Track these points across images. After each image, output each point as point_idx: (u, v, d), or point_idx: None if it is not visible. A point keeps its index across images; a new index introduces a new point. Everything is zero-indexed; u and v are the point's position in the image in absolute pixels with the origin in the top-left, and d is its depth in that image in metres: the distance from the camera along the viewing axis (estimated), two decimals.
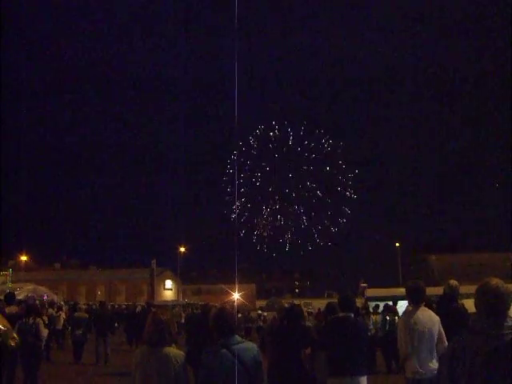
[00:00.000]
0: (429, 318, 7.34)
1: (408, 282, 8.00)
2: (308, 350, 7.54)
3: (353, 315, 8.13)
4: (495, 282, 3.97)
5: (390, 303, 19.87)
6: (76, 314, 22.28)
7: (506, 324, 3.80)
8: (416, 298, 7.51)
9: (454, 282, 9.47)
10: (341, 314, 8.08)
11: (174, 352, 5.30)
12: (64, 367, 19.24)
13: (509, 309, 3.92)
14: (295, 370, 7.39)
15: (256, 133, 35.31)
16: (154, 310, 17.86)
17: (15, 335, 9.26)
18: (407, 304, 7.76)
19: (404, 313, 7.73)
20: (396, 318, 18.10)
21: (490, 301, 3.89)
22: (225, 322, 5.13)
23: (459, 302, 9.38)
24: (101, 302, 26.88)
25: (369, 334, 17.53)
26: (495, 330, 3.77)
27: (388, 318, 18.29)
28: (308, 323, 8.75)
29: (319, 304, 42.40)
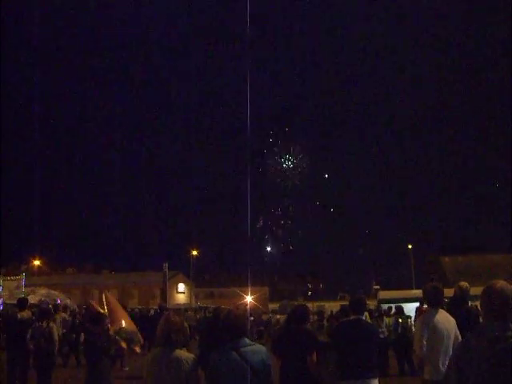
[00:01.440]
0: (447, 320, 7.34)
1: (427, 284, 8.00)
2: (314, 355, 7.49)
3: (364, 318, 8.13)
4: (500, 284, 3.98)
5: (405, 305, 19.88)
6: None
7: (511, 326, 3.81)
8: (435, 300, 7.51)
9: (464, 284, 9.47)
10: (352, 317, 8.08)
11: (186, 355, 5.30)
12: (76, 371, 19.29)
13: None
14: (301, 373, 7.36)
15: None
16: (166, 312, 17.91)
17: (140, 339, 9.21)
18: (417, 306, 7.77)
19: (418, 314, 7.75)
20: (409, 320, 18.08)
21: (496, 303, 3.89)
22: (234, 325, 5.15)
23: (470, 303, 9.38)
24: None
25: (381, 336, 17.55)
26: (501, 332, 3.78)
27: (400, 321, 18.26)
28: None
29: (332, 307, 42.43)
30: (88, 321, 10.12)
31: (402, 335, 17.58)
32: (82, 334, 21.58)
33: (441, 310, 7.49)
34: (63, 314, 25.74)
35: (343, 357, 7.62)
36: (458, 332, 7.23)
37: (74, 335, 21.45)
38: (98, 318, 9.94)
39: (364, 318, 16.45)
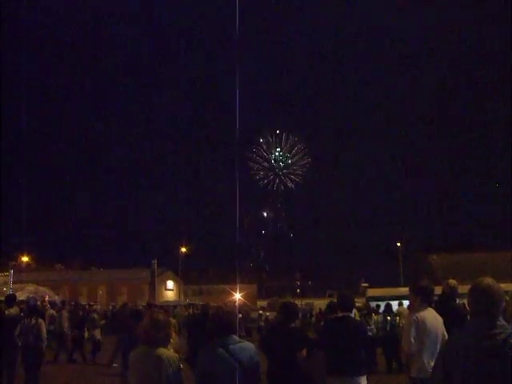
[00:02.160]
0: (435, 318, 7.36)
1: (416, 282, 7.99)
2: (303, 352, 7.50)
3: (353, 315, 8.15)
4: (487, 281, 4.00)
5: (394, 303, 19.97)
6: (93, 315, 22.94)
7: (498, 323, 3.83)
8: (425, 298, 7.52)
9: (452, 282, 9.51)
10: (340, 314, 8.11)
11: (168, 354, 5.31)
12: (65, 367, 19.25)
13: (501, 308, 3.95)
14: (289, 371, 7.37)
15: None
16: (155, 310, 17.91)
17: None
18: (408, 303, 7.77)
19: (406, 311, 7.76)
20: (397, 318, 18.11)
21: (483, 300, 3.92)
22: (222, 322, 5.15)
23: (459, 301, 9.41)
24: (125, 303, 27.17)
25: (370, 334, 17.60)
26: (488, 329, 3.81)
27: (389, 318, 18.30)
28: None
29: (320, 304, 42.45)
30: (129, 318, 10.05)
31: (391, 333, 17.62)
32: (98, 330, 21.90)
33: (430, 308, 7.51)
34: (51, 311, 25.71)
35: (331, 353, 7.64)
36: (445, 330, 7.26)
37: (78, 331, 21.36)
38: (138, 315, 9.88)
39: (353, 315, 16.55)
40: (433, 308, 7.67)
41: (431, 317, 7.34)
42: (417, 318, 7.30)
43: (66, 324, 21.97)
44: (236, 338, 5.16)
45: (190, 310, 37.70)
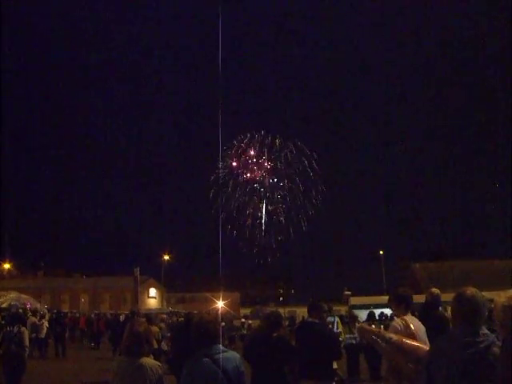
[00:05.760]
0: (418, 326, 7.38)
1: (397, 290, 7.99)
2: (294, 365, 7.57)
3: (335, 322, 8.21)
4: (471, 291, 4.06)
5: (377, 311, 20.04)
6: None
7: (481, 332, 3.89)
8: (408, 306, 7.52)
9: (435, 290, 9.57)
10: (309, 320, 8.23)
11: (151, 363, 5.36)
12: (46, 376, 19.13)
13: (484, 317, 4.00)
14: (274, 380, 7.37)
15: (241, 138, 35.14)
16: (139, 318, 17.88)
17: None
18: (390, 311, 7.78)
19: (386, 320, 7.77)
20: (382, 326, 18.15)
21: (466, 309, 3.97)
22: (207, 331, 5.12)
23: (441, 309, 9.47)
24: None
25: (353, 342, 17.63)
26: (471, 337, 3.86)
27: (374, 326, 18.32)
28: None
29: (303, 312, 42.47)
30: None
31: None
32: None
33: (412, 316, 7.52)
34: (33, 319, 25.56)
35: (300, 358, 7.77)
36: (427, 339, 7.27)
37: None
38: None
39: (335, 322, 16.53)
40: (415, 316, 7.69)
41: (416, 324, 7.36)
42: (405, 323, 7.30)
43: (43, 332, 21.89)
44: (221, 347, 5.14)
45: (174, 318, 37.59)
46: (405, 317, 7.35)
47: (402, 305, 7.51)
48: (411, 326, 6.98)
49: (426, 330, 7.37)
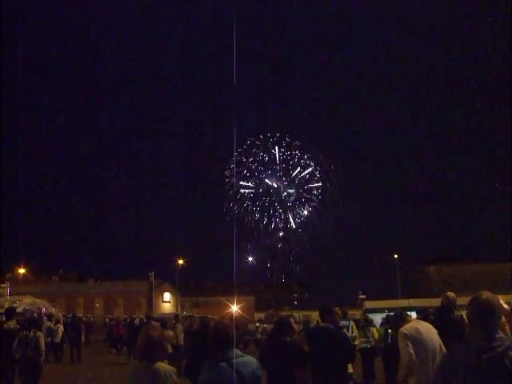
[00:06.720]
0: (428, 329, 7.37)
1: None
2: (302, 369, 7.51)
3: (350, 325, 8.18)
4: (486, 295, 4.05)
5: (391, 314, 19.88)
6: None
7: (497, 336, 3.87)
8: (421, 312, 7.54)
9: (451, 294, 9.54)
10: (321, 325, 8.18)
11: (165, 367, 5.35)
12: (61, 380, 19.21)
13: (500, 321, 4.00)
14: None
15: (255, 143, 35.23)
16: (154, 322, 17.89)
17: None
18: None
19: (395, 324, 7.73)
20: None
21: (481, 313, 3.96)
22: (224, 336, 5.15)
23: (457, 313, 9.44)
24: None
25: (368, 346, 17.59)
26: (487, 342, 3.84)
27: (390, 331, 18.21)
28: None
29: (318, 316, 42.29)
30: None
31: (392, 345, 17.56)
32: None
33: (421, 320, 7.52)
34: (48, 323, 25.68)
35: (312, 364, 7.68)
36: (441, 342, 7.25)
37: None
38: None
39: (350, 326, 16.49)
40: (430, 320, 7.69)
41: (424, 329, 7.33)
42: (410, 330, 7.29)
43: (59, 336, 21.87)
44: (238, 351, 5.16)
45: (188, 323, 37.50)
46: (412, 321, 7.38)
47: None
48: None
49: (442, 334, 7.37)
